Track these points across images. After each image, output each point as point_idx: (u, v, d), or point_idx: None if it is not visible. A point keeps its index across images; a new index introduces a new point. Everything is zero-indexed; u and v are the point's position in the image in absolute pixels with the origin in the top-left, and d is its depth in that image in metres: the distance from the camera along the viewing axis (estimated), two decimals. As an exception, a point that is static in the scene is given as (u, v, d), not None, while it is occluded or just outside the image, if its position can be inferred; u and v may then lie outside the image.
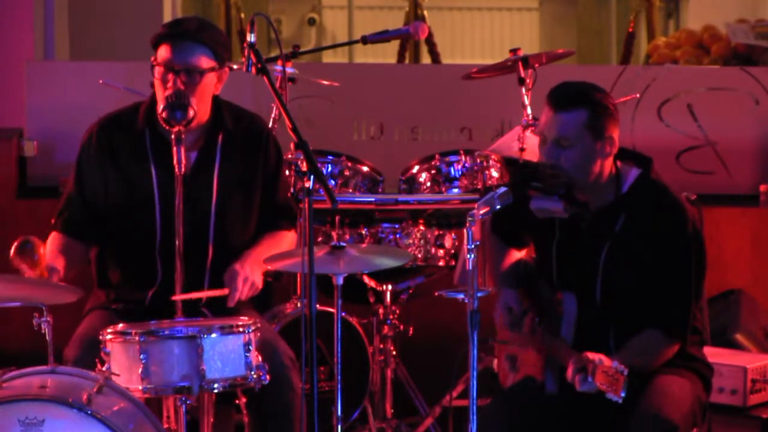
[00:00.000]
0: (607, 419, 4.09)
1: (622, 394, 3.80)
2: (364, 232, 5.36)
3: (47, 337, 3.94)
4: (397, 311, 5.46)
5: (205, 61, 4.44)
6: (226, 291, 4.40)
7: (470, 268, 3.89)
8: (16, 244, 4.20)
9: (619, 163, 4.19)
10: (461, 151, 5.39)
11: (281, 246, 4.58)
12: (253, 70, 4.14)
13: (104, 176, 4.55)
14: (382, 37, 5.38)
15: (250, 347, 4.08)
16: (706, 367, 4.28)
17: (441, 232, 5.40)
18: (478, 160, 5.35)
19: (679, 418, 3.97)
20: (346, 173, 5.36)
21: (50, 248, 4.45)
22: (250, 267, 4.46)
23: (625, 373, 3.80)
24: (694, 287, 4.15)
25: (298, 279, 5.29)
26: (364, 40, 5.34)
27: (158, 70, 4.44)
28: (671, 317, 4.11)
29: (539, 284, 4.29)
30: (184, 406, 4.05)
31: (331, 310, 4.50)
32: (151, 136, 4.52)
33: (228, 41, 4.72)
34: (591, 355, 3.90)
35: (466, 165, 5.35)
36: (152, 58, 4.46)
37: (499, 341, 4.43)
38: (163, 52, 4.43)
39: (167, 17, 7.91)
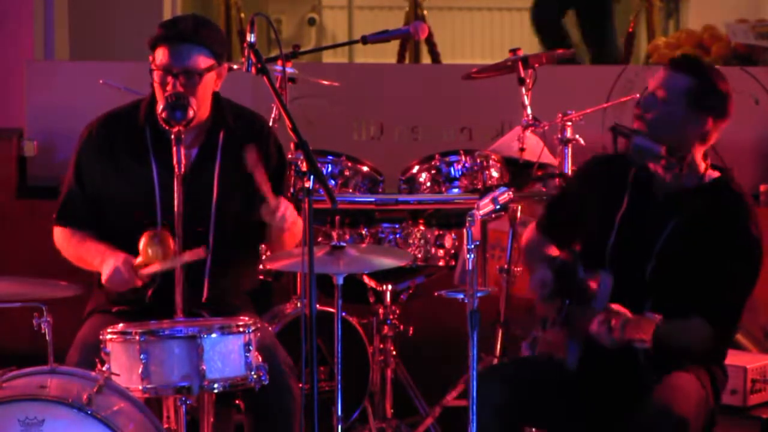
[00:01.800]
0: (620, 400, 4.11)
1: (653, 340, 3.85)
2: (364, 232, 5.36)
3: (47, 337, 3.94)
4: (397, 311, 5.46)
5: (203, 61, 4.44)
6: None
7: (470, 268, 3.89)
8: (146, 237, 4.29)
9: (708, 165, 4.25)
10: (461, 151, 5.39)
11: (297, 224, 4.56)
12: (253, 70, 4.14)
13: (104, 173, 4.55)
14: (382, 37, 5.38)
15: (250, 347, 4.08)
16: (723, 374, 4.30)
17: (441, 232, 5.40)
18: (478, 160, 5.35)
19: (690, 414, 3.99)
20: (346, 173, 5.36)
21: (87, 243, 4.50)
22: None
23: (656, 320, 3.85)
24: (747, 287, 4.17)
25: (298, 279, 5.29)
26: (364, 40, 5.33)
27: (157, 74, 4.43)
28: (721, 311, 4.12)
29: (575, 272, 4.29)
30: (184, 406, 4.05)
31: (331, 310, 4.50)
32: (151, 134, 4.52)
33: (225, 37, 4.72)
34: (622, 310, 3.94)
35: (466, 165, 5.35)
36: (150, 58, 4.46)
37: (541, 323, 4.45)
38: (161, 55, 4.43)
39: (167, 17, 7.90)
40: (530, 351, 4.35)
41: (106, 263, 4.41)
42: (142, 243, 4.32)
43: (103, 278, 4.40)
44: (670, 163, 4.16)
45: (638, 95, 4.27)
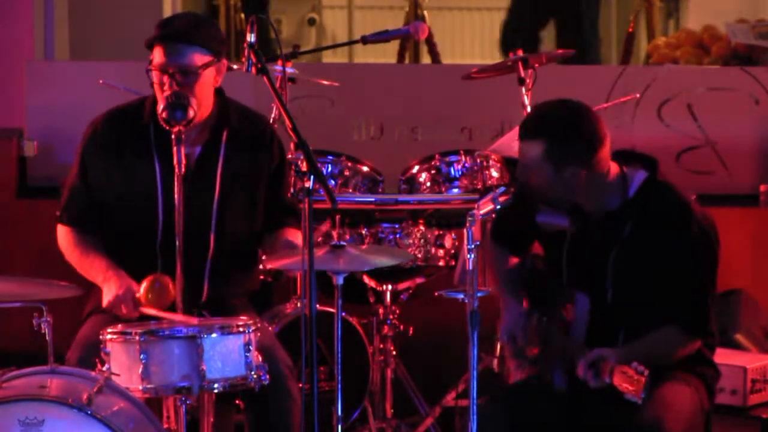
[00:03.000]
0: (613, 417, 4.09)
1: (643, 396, 3.79)
2: (364, 232, 5.36)
3: (47, 337, 3.94)
4: (397, 311, 5.46)
5: (200, 59, 4.42)
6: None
7: (470, 268, 3.89)
8: (147, 283, 4.31)
9: (625, 168, 4.19)
10: (461, 151, 5.39)
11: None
12: (253, 70, 4.14)
13: (107, 170, 4.54)
14: (382, 37, 5.38)
15: (250, 347, 4.08)
16: (714, 371, 4.28)
17: (441, 232, 5.40)
18: (478, 160, 5.35)
19: (679, 429, 3.97)
20: (346, 173, 5.36)
21: (90, 256, 4.50)
22: None
23: (645, 374, 3.77)
24: (705, 283, 4.15)
25: (298, 279, 5.29)
26: (364, 40, 5.33)
27: (155, 74, 4.43)
28: (686, 314, 4.10)
29: (548, 281, 4.28)
30: (184, 406, 4.05)
31: (331, 310, 4.50)
32: (155, 131, 4.51)
33: (222, 33, 4.70)
34: (605, 352, 3.90)
35: (466, 165, 5.35)
36: (150, 57, 4.45)
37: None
38: (157, 55, 4.42)
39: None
40: (518, 366, 4.34)
41: (108, 286, 4.41)
42: (143, 287, 4.33)
43: (104, 302, 4.39)
44: (577, 222, 4.13)
45: (638, 95, 4.25)
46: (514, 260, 4.41)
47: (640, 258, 4.12)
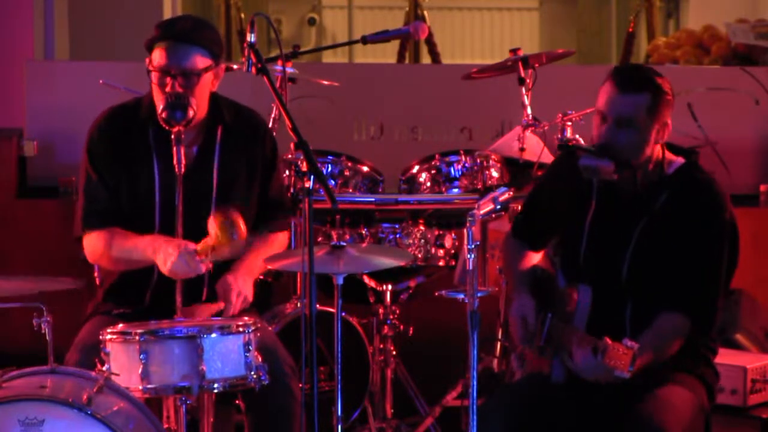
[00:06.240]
0: (610, 411, 4.09)
1: (630, 369, 3.81)
2: (364, 232, 5.36)
3: (47, 337, 3.94)
4: (397, 311, 5.46)
5: (201, 62, 4.42)
6: (221, 305, 4.38)
7: (470, 268, 3.89)
8: (218, 220, 4.17)
9: (666, 151, 4.24)
10: (461, 151, 5.39)
11: (273, 252, 4.56)
12: (253, 70, 4.14)
13: (111, 170, 4.51)
14: (382, 37, 5.38)
15: (250, 347, 4.08)
16: (714, 373, 4.27)
17: (441, 232, 5.40)
18: (478, 160, 5.35)
19: (674, 428, 3.97)
20: (346, 173, 5.36)
21: (131, 238, 4.39)
22: (242, 279, 4.43)
23: (634, 349, 3.81)
24: (724, 278, 4.16)
25: (298, 279, 5.29)
26: (364, 40, 5.34)
27: (155, 75, 4.42)
28: (698, 305, 4.11)
29: (555, 282, 4.28)
30: (184, 406, 4.05)
31: (331, 310, 4.50)
32: (154, 131, 4.50)
33: (222, 38, 4.71)
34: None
35: (466, 165, 5.35)
36: (147, 60, 4.44)
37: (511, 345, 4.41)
38: (158, 56, 4.41)
39: (167, 17, 7.90)
40: (518, 363, 4.34)
41: (163, 252, 4.28)
42: (213, 230, 4.18)
43: (165, 268, 4.27)
44: (623, 175, 4.14)
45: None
46: (530, 256, 4.41)
47: (668, 232, 4.13)
